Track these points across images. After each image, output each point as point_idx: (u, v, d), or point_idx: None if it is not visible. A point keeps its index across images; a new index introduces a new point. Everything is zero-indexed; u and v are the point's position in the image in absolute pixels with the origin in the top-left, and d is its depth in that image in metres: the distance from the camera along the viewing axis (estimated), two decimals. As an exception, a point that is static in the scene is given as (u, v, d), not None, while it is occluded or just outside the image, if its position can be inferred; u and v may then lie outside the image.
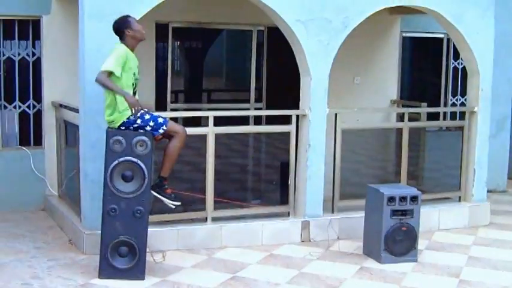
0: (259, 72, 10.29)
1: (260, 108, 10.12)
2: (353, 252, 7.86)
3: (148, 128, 6.67)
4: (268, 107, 10.13)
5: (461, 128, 9.39)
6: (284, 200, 8.44)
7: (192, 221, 7.98)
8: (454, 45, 10.56)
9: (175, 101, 9.96)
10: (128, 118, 6.63)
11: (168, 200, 6.88)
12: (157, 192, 6.85)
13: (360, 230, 7.96)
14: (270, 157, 9.17)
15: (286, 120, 8.32)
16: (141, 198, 6.68)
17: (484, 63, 9.22)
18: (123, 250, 6.68)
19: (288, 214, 8.39)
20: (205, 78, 10.82)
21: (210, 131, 7.90)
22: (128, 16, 6.83)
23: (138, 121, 6.65)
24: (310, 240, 8.28)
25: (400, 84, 11.03)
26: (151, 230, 7.12)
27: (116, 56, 6.56)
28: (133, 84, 6.75)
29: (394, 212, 7.49)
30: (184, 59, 10.60)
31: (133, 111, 6.52)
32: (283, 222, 8.29)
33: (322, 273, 7.16)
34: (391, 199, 7.48)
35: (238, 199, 8.63)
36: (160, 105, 9.51)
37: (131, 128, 6.67)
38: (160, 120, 6.73)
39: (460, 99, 11.19)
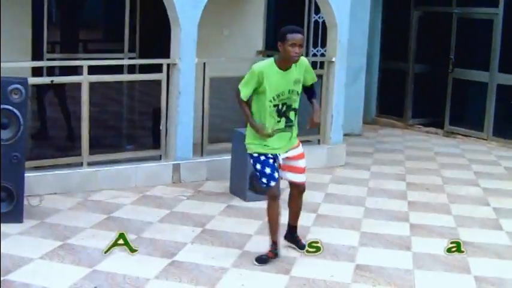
0: (132, 23, 10.11)
1: (133, 58, 9.97)
2: (220, 192, 7.98)
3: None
4: (141, 57, 10.01)
5: (320, 77, 9.59)
6: (156, 144, 8.44)
7: (68, 165, 7.86)
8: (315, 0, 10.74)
9: (51, 51, 9.66)
10: (251, 154, 5.94)
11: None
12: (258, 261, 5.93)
13: (227, 172, 8.08)
14: (143, 104, 9.12)
15: (158, 69, 8.26)
16: (17, 144, 6.53)
17: (341, 16, 9.41)
18: (1, 195, 6.53)
19: (160, 157, 8.40)
20: (82, 29, 10.55)
21: (85, 80, 7.76)
22: (287, 27, 5.79)
23: (258, 165, 5.89)
24: (180, 182, 8.34)
25: (266, 35, 11.12)
26: (29, 175, 7.01)
27: (245, 80, 5.83)
28: (275, 106, 5.83)
29: (258, 154, 7.61)
30: (61, 10, 10.27)
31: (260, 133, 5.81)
32: (155, 165, 8.29)
33: (192, 212, 7.24)
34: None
35: (113, 144, 8.57)
36: (37, 56, 9.21)
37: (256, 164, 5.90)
38: (264, 180, 5.87)
39: (320, 50, 11.39)
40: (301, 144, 6.16)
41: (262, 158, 5.87)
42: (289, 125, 5.93)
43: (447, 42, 12.43)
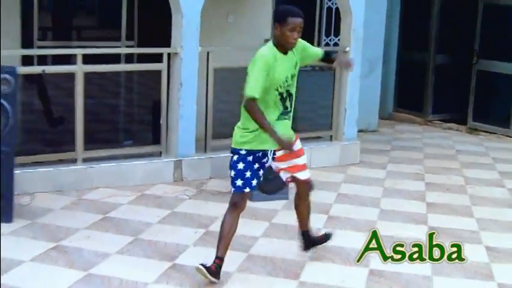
0: (131, 9, 10.15)
1: (131, 46, 10.00)
2: (225, 191, 7.97)
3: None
4: (140, 45, 10.07)
5: (333, 68, 9.63)
6: (156, 139, 8.49)
7: (61, 162, 7.93)
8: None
9: (42, 38, 9.72)
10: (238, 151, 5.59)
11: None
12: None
13: (232, 169, 8.12)
14: (142, 96, 9.15)
15: (158, 58, 8.31)
16: (6, 138, 6.57)
17: (356, 3, 9.46)
18: (-12, 193, 6.59)
19: (160, 154, 8.47)
20: (76, 14, 10.60)
21: (79, 70, 7.84)
22: (288, 8, 5.64)
23: (240, 164, 5.58)
24: (182, 180, 8.41)
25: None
26: (18, 171, 7.08)
27: (254, 74, 5.42)
28: (280, 94, 5.55)
29: (266, 151, 7.66)
30: (53, -6, 10.36)
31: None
32: (156, 162, 8.37)
33: (195, 212, 7.32)
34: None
35: (109, 139, 8.63)
36: (27, 43, 9.27)
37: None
38: (238, 183, 5.56)
39: (333, 40, 11.45)
40: (298, 138, 5.89)
41: (250, 158, 5.57)
42: (287, 111, 5.71)
43: (472, 31, 12.43)
